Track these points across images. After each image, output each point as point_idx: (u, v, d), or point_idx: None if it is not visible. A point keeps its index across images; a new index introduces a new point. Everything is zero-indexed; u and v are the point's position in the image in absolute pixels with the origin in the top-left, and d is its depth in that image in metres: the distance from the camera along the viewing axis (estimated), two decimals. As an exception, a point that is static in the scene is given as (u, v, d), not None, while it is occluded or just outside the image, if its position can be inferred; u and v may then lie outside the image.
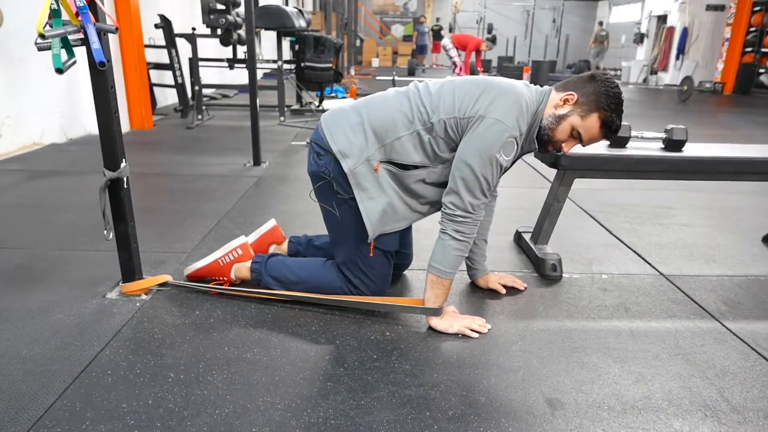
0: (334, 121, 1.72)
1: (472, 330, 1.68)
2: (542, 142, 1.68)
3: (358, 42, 16.00)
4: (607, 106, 1.57)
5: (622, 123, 2.16)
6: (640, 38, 15.41)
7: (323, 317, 1.76)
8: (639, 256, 2.41)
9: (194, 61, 5.46)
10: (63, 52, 1.51)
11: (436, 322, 1.70)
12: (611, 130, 1.62)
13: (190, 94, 5.85)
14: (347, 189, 1.68)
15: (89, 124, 4.72)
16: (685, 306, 1.95)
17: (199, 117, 5.64)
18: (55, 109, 4.38)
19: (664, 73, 14.07)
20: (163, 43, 5.57)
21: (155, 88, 5.93)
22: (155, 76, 5.92)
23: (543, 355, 1.59)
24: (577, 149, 2.11)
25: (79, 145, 4.42)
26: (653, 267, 2.28)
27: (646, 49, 15.13)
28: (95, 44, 1.53)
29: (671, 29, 13.68)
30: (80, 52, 1.55)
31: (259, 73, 9.41)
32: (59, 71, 1.47)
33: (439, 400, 1.38)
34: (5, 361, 1.48)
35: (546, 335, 1.71)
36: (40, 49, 1.45)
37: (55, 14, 1.47)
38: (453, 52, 11.47)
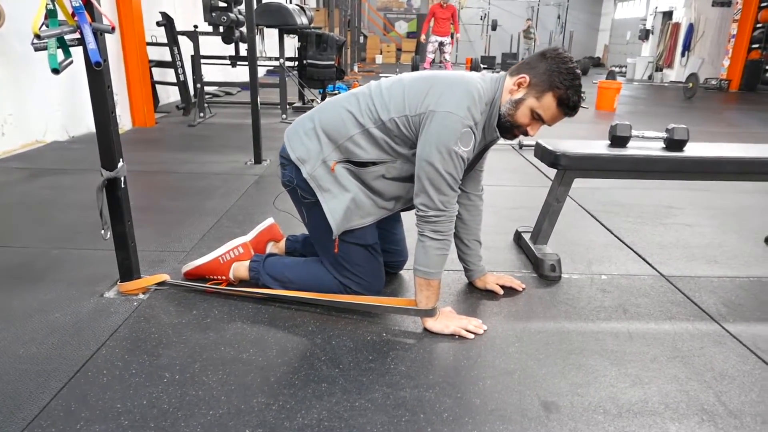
0: (293, 131, 1.78)
1: (468, 331, 1.68)
2: (506, 129, 1.67)
3: (361, 39, 15.96)
4: (560, 83, 1.55)
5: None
6: (645, 34, 15.31)
7: (320, 317, 1.76)
8: (639, 256, 2.39)
9: (196, 59, 5.46)
10: (60, 52, 1.51)
11: (432, 324, 1.69)
12: (569, 107, 1.60)
13: (192, 92, 5.85)
14: (311, 193, 1.72)
15: (92, 122, 4.71)
16: (685, 308, 1.93)
17: (201, 115, 5.64)
18: (58, 107, 4.38)
19: (669, 70, 13.98)
20: (165, 40, 5.57)
21: (157, 86, 5.93)
22: (157, 73, 5.93)
23: (540, 357, 1.59)
24: (579, 149, 2.11)
25: (81, 143, 4.42)
26: (654, 268, 2.27)
27: (652, 45, 15.03)
28: (91, 44, 1.53)
29: (677, 25, 13.59)
30: (77, 51, 1.55)
31: (262, 71, 9.41)
32: (55, 71, 1.47)
33: (434, 402, 1.37)
34: (2, 360, 1.49)
35: (543, 337, 1.70)
36: (36, 50, 1.45)
37: (51, 14, 1.46)
38: (429, 47, 11.09)
